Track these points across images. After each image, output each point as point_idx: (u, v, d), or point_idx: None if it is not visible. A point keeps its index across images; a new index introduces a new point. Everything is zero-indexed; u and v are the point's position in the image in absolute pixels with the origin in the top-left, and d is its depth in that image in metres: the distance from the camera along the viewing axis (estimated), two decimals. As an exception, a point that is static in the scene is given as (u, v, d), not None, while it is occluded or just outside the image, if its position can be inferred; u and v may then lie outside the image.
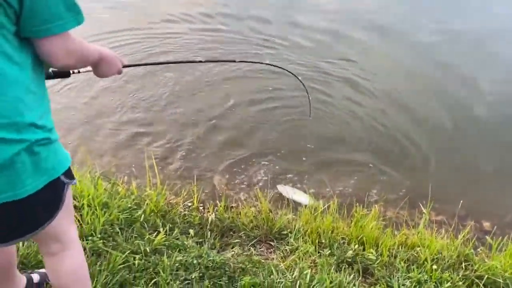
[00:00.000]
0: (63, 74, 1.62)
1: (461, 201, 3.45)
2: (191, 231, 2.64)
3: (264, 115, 4.77)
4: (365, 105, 5.13)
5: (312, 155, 4.21)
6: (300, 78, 2.24)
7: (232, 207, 3.22)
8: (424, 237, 2.85)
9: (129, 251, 2.29)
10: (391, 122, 4.82)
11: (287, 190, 3.61)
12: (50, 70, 1.49)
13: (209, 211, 3.08)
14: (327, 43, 6.75)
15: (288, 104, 5.00)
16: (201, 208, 3.13)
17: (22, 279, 1.90)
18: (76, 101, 4.79)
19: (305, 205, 3.32)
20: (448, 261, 2.60)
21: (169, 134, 4.32)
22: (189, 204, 3.10)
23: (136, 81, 5.27)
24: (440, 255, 2.66)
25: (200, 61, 2.13)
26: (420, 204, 3.46)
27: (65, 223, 1.48)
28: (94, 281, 2.06)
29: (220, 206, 3.01)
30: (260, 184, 3.73)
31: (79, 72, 1.64)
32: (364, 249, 2.63)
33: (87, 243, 2.27)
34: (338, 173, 3.98)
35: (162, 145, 4.17)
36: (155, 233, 2.51)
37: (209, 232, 2.68)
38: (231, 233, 2.79)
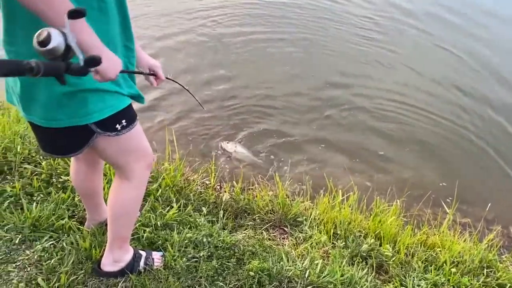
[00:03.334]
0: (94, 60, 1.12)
1: (489, 204, 3.28)
2: (204, 209, 2.60)
3: (292, 100, 4.68)
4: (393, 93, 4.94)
5: (336, 142, 4.09)
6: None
7: (249, 189, 3.16)
8: (446, 238, 2.72)
9: (139, 223, 2.27)
10: (422, 116, 4.62)
11: (230, 146, 3.83)
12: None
13: (225, 191, 3.04)
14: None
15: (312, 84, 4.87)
16: (217, 187, 3.09)
17: (106, 212, 2.10)
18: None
19: (247, 163, 3.67)
20: (469, 266, 2.47)
21: (194, 112, 4.28)
22: (207, 182, 3.06)
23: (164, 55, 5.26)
24: (461, 258, 2.53)
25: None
26: (444, 204, 3.31)
27: (122, 159, 1.62)
28: (101, 250, 2.05)
29: (237, 187, 2.96)
30: (279, 169, 3.65)
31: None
32: (380, 245, 2.53)
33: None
34: (360, 163, 3.85)
35: (186, 122, 4.14)
36: (168, 208, 2.49)
37: (223, 212, 2.64)
38: (245, 215, 2.74)
